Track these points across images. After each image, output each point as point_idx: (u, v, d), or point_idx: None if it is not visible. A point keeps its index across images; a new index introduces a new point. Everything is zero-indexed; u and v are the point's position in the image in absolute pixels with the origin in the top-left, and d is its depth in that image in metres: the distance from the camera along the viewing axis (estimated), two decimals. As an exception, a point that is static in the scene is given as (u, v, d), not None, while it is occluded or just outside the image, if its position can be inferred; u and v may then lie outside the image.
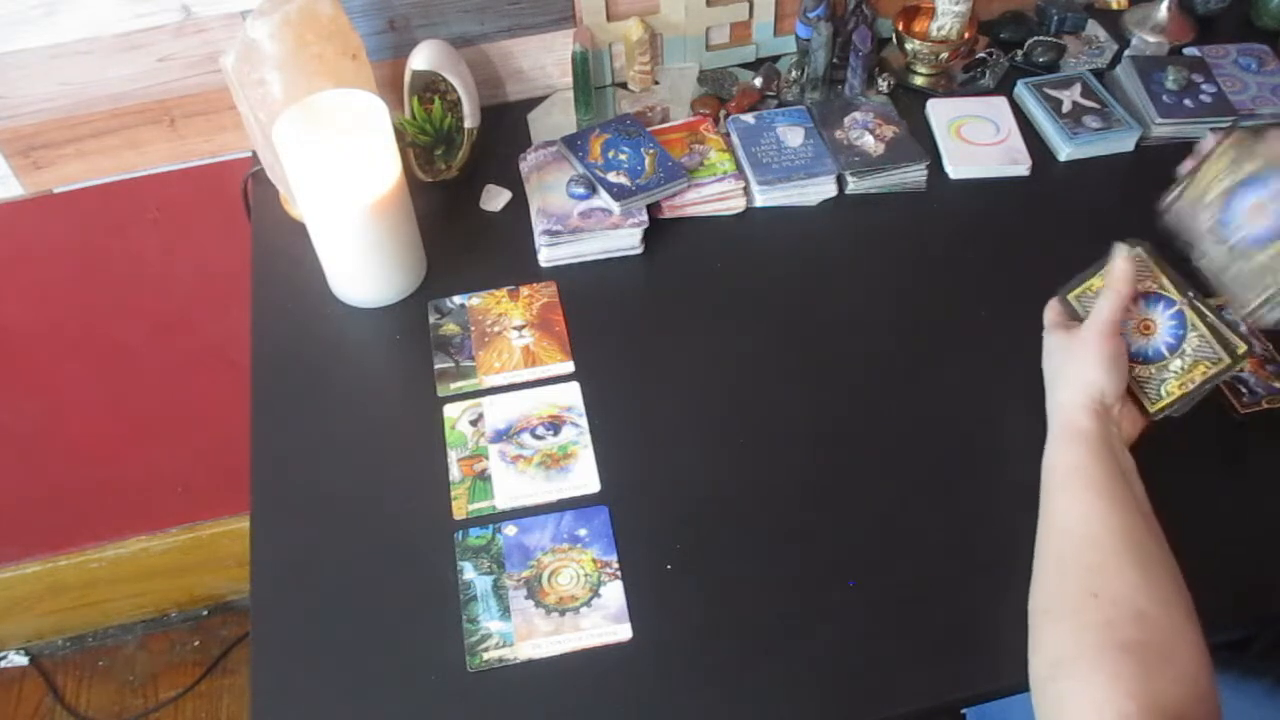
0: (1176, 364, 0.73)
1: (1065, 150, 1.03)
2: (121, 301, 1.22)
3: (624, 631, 0.71)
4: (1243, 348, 0.71)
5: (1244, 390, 0.82)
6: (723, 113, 1.08)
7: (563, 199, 0.97)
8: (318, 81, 0.87)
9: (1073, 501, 0.67)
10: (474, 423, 0.84)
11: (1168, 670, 0.57)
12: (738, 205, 1.00)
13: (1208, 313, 0.72)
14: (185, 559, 1.57)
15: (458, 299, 0.93)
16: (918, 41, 1.08)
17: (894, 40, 1.11)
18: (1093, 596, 0.61)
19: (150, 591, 1.61)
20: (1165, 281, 0.74)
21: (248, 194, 1.05)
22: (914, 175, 1.02)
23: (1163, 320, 0.74)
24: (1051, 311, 0.80)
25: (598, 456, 0.81)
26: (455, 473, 0.81)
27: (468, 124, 1.02)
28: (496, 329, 0.91)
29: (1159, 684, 0.56)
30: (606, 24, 1.08)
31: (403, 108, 1.02)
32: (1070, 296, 0.80)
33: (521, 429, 0.83)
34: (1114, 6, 1.20)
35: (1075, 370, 0.73)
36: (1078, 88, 1.08)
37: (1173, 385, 0.73)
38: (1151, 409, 0.74)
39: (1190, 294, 0.73)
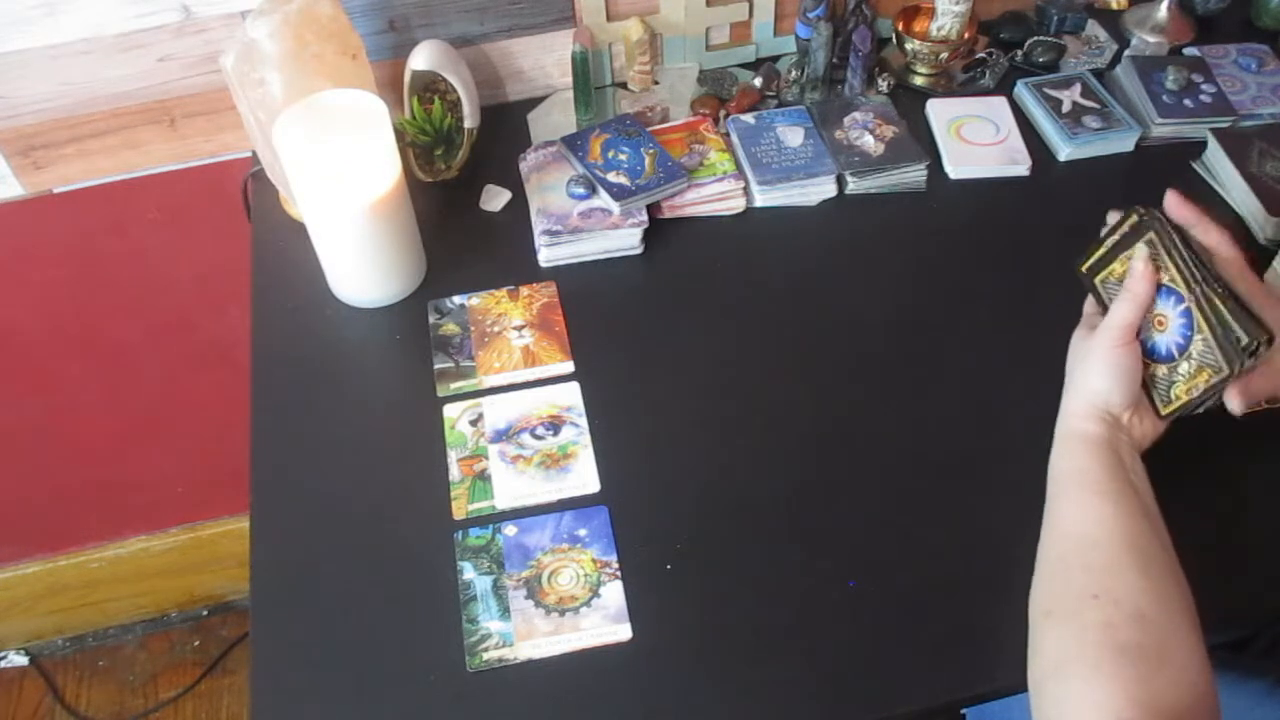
0: (1184, 367, 0.70)
1: (1065, 150, 1.03)
2: (121, 301, 1.22)
3: (624, 631, 0.71)
4: (1244, 339, 0.66)
5: (1243, 391, 0.82)
6: (723, 113, 1.08)
7: (563, 199, 0.97)
8: (318, 81, 0.87)
9: (1074, 504, 0.67)
10: (474, 423, 0.84)
11: (1167, 671, 0.57)
12: (737, 205, 1.00)
13: (1217, 308, 0.68)
14: (185, 559, 1.57)
15: (458, 299, 0.93)
16: (918, 41, 1.08)
17: (894, 40, 1.11)
18: (1093, 598, 0.61)
19: (150, 591, 1.61)
20: (1175, 274, 0.71)
21: (248, 194, 1.05)
22: (914, 175, 1.02)
23: (1174, 317, 0.71)
24: (1088, 305, 0.78)
25: (597, 456, 0.81)
26: (455, 473, 0.81)
27: (468, 124, 1.02)
28: (496, 329, 0.91)
29: (1158, 685, 0.56)
30: (606, 24, 1.08)
31: (403, 108, 1.02)
32: (1083, 269, 0.77)
33: (521, 429, 0.83)
34: (1114, 6, 1.21)
35: (1083, 377, 0.71)
36: (1078, 88, 1.08)
37: (1180, 389, 0.71)
38: (1163, 410, 0.72)
39: (1199, 288, 0.69)
